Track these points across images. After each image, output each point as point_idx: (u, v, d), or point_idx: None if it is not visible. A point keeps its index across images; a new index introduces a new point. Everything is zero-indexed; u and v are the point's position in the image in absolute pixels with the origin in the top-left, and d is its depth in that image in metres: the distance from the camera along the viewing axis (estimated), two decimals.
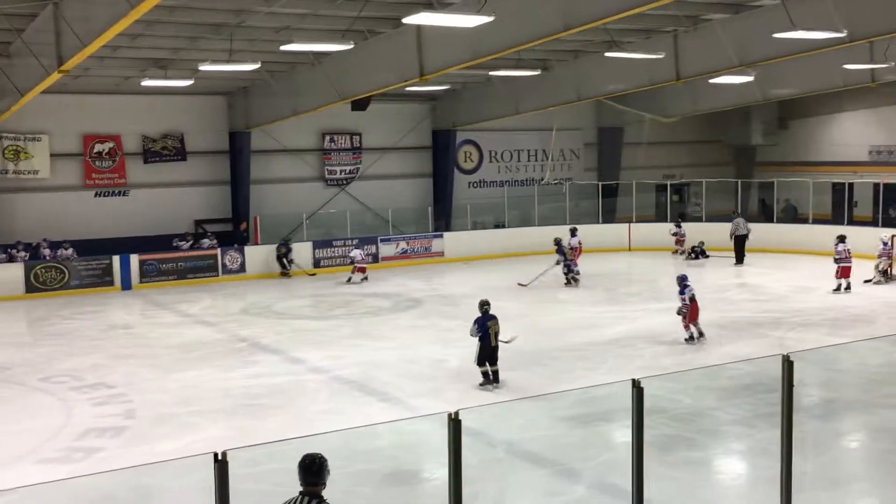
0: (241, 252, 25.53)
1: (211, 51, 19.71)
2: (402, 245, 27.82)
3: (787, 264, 25.37)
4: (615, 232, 30.05)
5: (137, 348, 16.57)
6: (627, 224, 30.36)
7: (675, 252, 27.89)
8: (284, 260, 25.46)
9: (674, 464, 9.67)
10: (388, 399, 12.80)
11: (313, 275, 25.46)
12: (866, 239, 23.09)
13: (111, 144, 26.25)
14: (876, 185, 29.11)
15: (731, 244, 25.99)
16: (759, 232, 27.24)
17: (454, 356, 14.65)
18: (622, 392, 6.25)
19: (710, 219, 29.63)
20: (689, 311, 15.67)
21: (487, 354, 13.05)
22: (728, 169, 35.48)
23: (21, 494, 7.93)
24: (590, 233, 29.51)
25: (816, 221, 28.45)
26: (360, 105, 24.62)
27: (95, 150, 26.05)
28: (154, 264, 24.30)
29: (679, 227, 28.22)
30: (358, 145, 29.96)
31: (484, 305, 13.31)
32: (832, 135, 33.98)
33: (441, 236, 28.59)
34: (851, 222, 27.43)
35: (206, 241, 25.75)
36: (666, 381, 11.85)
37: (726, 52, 20.49)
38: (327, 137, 29.42)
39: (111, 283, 23.69)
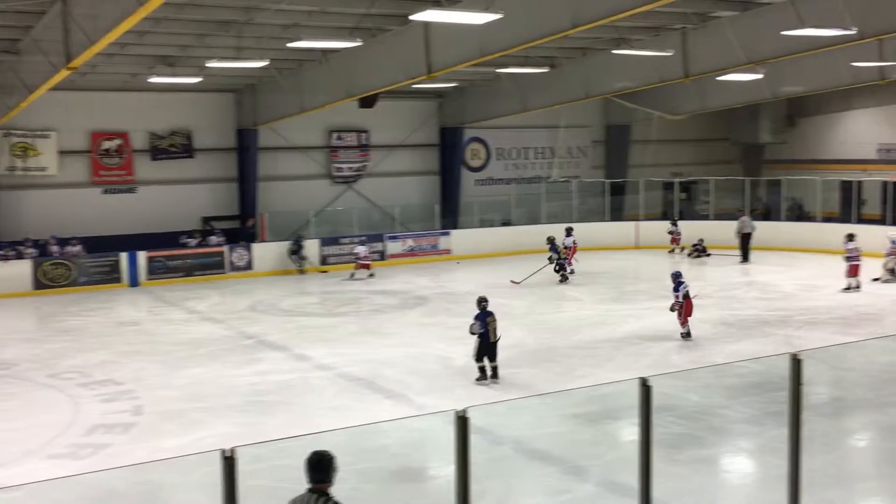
0: (249, 249, 25.55)
1: (219, 48, 19.73)
2: (410, 242, 27.81)
3: (794, 262, 25.30)
4: (622, 230, 30.00)
5: (145, 345, 16.60)
6: (635, 222, 30.31)
7: (672, 251, 27.86)
8: (295, 256, 25.51)
9: (682, 462, 9.65)
10: (394, 396, 12.80)
11: (325, 272, 25.48)
12: (875, 237, 23.00)
13: (119, 141, 26.31)
14: (885, 184, 29.01)
15: (737, 242, 25.94)
16: (767, 230, 27.19)
17: (461, 354, 14.63)
18: (630, 390, 6.22)
19: (718, 217, 29.56)
20: (685, 308, 15.68)
21: (486, 350, 13.09)
22: (736, 167, 35.41)
23: (30, 490, 7.95)
24: (597, 230, 29.55)
25: (825, 220, 28.36)
26: (367, 102, 24.62)
27: (103, 147, 26.10)
28: (161, 261, 24.34)
29: (675, 225, 28.19)
30: (365, 143, 29.96)
31: (482, 302, 13.37)
32: (841, 133, 33.87)
33: (448, 234, 28.57)
34: (860, 220, 27.32)
35: (213, 239, 25.77)
36: (674, 379, 11.83)
37: (735, 49, 20.43)
38: (335, 135, 29.43)
39: (119, 279, 23.74)
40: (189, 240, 25.50)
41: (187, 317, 19.66)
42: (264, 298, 21.63)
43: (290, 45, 18.38)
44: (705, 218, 30.30)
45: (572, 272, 23.21)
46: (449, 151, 31.27)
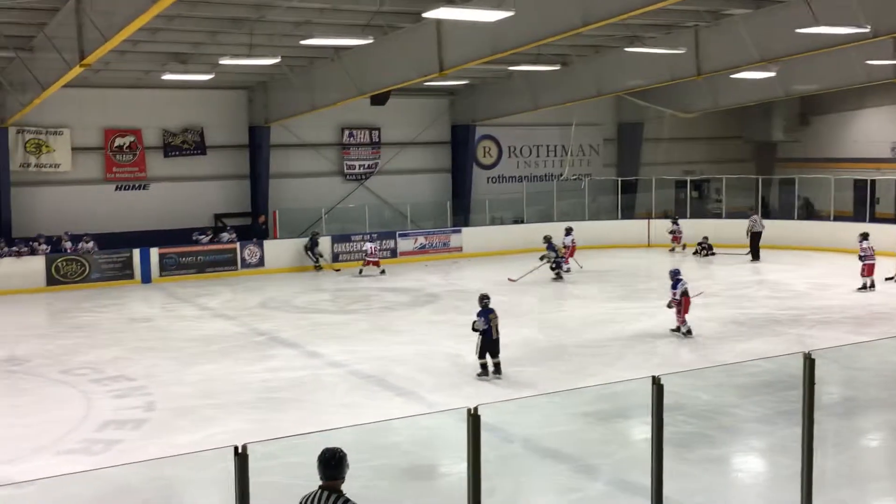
0: (260, 246, 25.62)
1: (231, 45, 19.77)
2: (421, 240, 27.83)
3: (807, 261, 25.20)
4: (634, 228, 29.95)
5: (157, 341, 16.66)
6: (646, 220, 30.25)
7: (672, 249, 27.78)
8: (310, 253, 25.59)
9: (692, 461, 9.63)
10: (405, 394, 12.82)
11: (338, 270, 25.52)
12: (889, 236, 22.91)
13: (132, 138, 26.41)
14: None
15: (748, 241, 25.89)
16: (778, 229, 27.10)
17: (471, 351, 14.57)
18: (640, 388, 6.23)
19: (730, 215, 29.48)
20: (683, 306, 15.75)
21: (489, 347, 13.16)
22: (748, 165, 35.27)
23: (42, 486, 8.00)
24: (608, 228, 29.54)
25: (838, 218, 28.23)
26: (379, 100, 24.62)
27: (116, 144, 26.21)
28: (174, 258, 24.43)
29: (676, 223, 28.13)
30: (377, 140, 29.98)
31: (484, 299, 13.47)
32: (854, 131, 33.70)
33: (459, 231, 28.57)
34: (873, 219, 27.20)
35: (225, 235, 25.85)
36: (685, 378, 11.81)
37: (748, 47, 20.36)
38: (346, 132, 29.46)
39: (131, 276, 23.84)
40: (201, 236, 25.57)
41: (199, 313, 19.73)
42: (276, 295, 21.68)
43: (302, 42, 18.40)
44: (718, 216, 30.21)
45: (567, 270, 23.39)
46: (460, 149, 31.27)
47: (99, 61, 17.19)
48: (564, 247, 23.95)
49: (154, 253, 24.14)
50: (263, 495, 5.25)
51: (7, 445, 10.86)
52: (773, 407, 11.50)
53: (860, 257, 20.31)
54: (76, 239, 24.01)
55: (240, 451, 4.83)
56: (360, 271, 24.67)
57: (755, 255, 25.67)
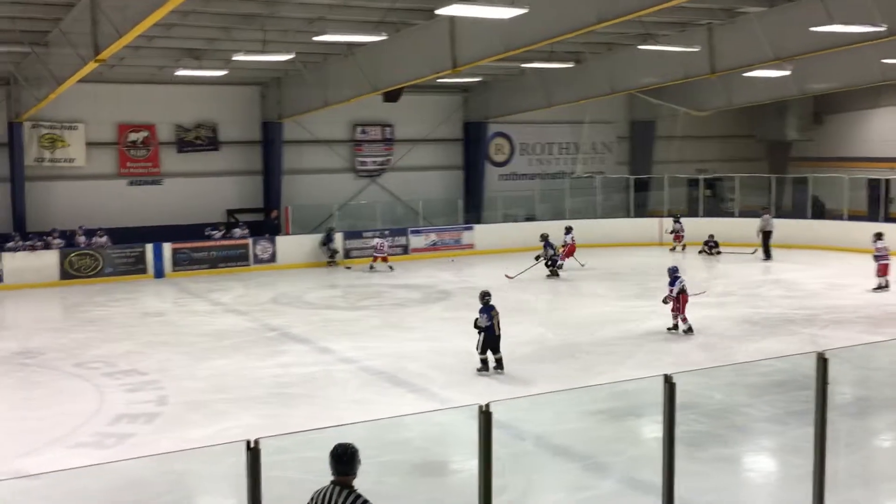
0: (273, 242, 25.68)
1: (244, 41, 19.82)
2: (433, 237, 27.84)
3: (819, 261, 25.09)
4: (646, 226, 29.87)
5: (170, 336, 16.72)
6: (659, 218, 30.17)
7: (673, 248, 27.67)
8: (325, 248, 25.67)
9: (704, 460, 9.60)
10: (416, 390, 12.82)
11: (349, 268, 25.57)
12: None
13: (145, 133, 26.51)
14: None
15: (759, 240, 25.81)
16: (793, 228, 26.99)
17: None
18: (652, 387, 6.21)
19: (742, 214, 29.39)
20: (681, 303, 15.82)
21: (491, 343, 13.24)
22: (761, 164, 35.14)
23: (54, 478, 8.04)
24: (621, 227, 29.48)
25: (852, 218, 28.10)
26: (391, 96, 24.66)
27: (130, 139, 26.32)
28: (186, 253, 24.51)
29: (678, 222, 28.03)
30: (389, 137, 30.01)
31: (485, 296, 13.53)
32: (868, 130, 33.53)
33: (471, 228, 28.58)
34: (888, 219, 27.08)
35: (237, 231, 25.92)
36: (696, 377, 11.77)
37: (762, 45, 20.27)
38: (359, 128, 29.50)
39: (144, 270, 23.94)
40: (214, 232, 25.66)
41: (211, 308, 19.79)
42: (288, 291, 21.73)
43: (315, 38, 18.42)
44: (731, 215, 30.11)
45: (560, 266, 23.43)
46: (473, 146, 31.27)
47: (113, 57, 17.25)
48: (563, 245, 24.12)
49: (167, 248, 24.24)
50: (275, 490, 5.27)
51: (20, 438, 10.92)
52: (785, 407, 11.46)
53: (875, 257, 20.20)
54: (90, 233, 24.13)
55: (252, 445, 4.85)
56: (371, 267, 24.76)
57: (767, 254, 25.57)
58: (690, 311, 16.19)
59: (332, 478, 5.41)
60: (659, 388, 6.09)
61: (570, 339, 15.84)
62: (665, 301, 16.09)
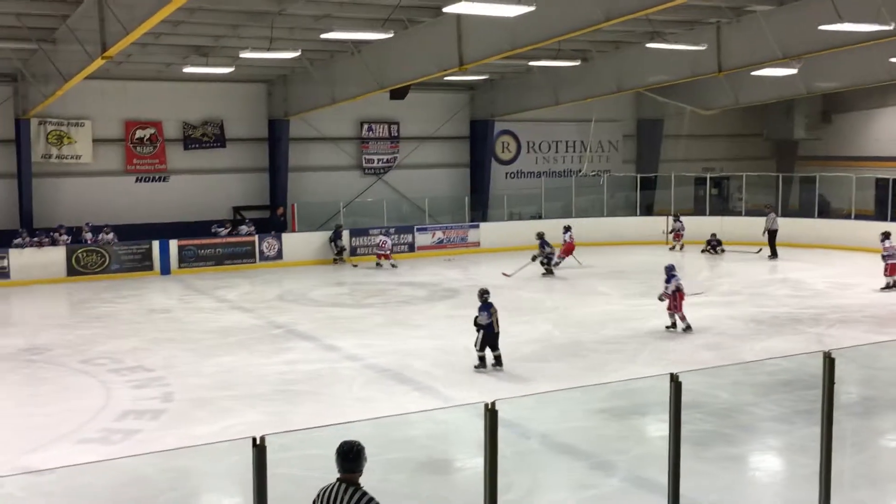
0: (279, 239, 25.71)
1: (251, 38, 19.83)
2: (439, 235, 27.84)
3: (827, 260, 25.04)
4: (653, 225, 29.82)
5: (176, 332, 16.75)
6: (665, 217, 30.12)
7: (672, 247, 27.59)
8: (333, 244, 25.70)
9: (709, 459, 9.59)
10: (422, 388, 12.83)
11: (356, 265, 25.58)
12: None
13: (152, 130, 26.54)
14: None
15: (765, 239, 25.78)
16: (800, 227, 26.91)
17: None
18: (658, 385, 6.21)
19: (748, 213, 29.34)
20: (676, 301, 15.89)
21: (490, 340, 13.31)
22: (768, 163, 35.07)
23: (61, 474, 8.07)
24: (627, 225, 29.45)
25: (859, 217, 28.02)
26: (398, 94, 24.64)
27: (137, 136, 26.35)
28: (193, 250, 24.55)
29: (678, 220, 27.98)
30: (396, 134, 30.00)
31: (484, 294, 13.59)
32: (877, 129, 33.42)
33: (477, 226, 28.58)
34: (895, 219, 26.97)
35: (243, 228, 25.96)
36: (702, 376, 11.75)
37: (770, 44, 20.21)
38: (365, 126, 29.50)
39: (150, 267, 23.98)
40: (220, 229, 25.69)
41: (217, 305, 19.82)
42: (293, 288, 21.76)
43: (322, 36, 18.40)
44: (738, 214, 30.05)
45: (556, 264, 23.58)
46: (479, 144, 31.25)
47: (121, 53, 17.26)
48: (564, 243, 24.31)
49: (173, 245, 24.28)
50: (280, 487, 5.27)
51: (27, 434, 10.95)
52: (791, 406, 11.44)
53: (883, 256, 20.15)
54: (96, 230, 24.18)
55: (258, 442, 4.85)
56: (378, 264, 24.85)
57: (773, 253, 25.55)
58: (696, 310, 16.18)
59: (337, 475, 5.42)
60: (665, 386, 6.08)
61: (576, 337, 15.82)
62: (661, 299, 16.14)
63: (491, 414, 5.30)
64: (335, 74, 23.94)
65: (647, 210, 31.27)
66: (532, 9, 13.48)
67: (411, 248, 27.05)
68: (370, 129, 29.60)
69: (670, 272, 16.22)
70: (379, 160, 29.87)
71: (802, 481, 8.16)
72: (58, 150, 25.25)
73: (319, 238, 26.15)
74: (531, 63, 24.06)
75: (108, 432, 10.95)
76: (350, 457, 5.38)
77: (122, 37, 14.21)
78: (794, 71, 24.43)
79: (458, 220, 28.88)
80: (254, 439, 4.85)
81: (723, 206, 32.23)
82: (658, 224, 29.72)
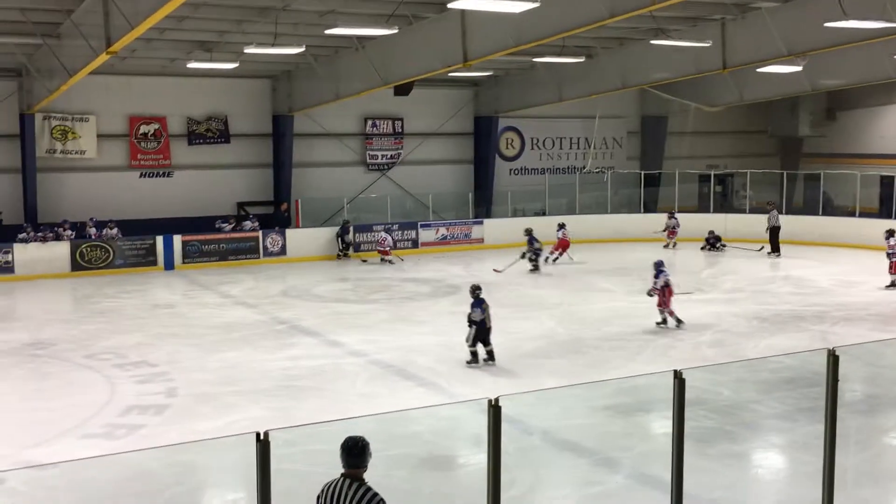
0: (283, 235, 25.72)
1: (256, 34, 19.82)
2: (442, 231, 27.84)
3: (831, 257, 24.99)
4: (657, 222, 29.75)
5: (179, 328, 16.77)
6: (665, 214, 30.05)
7: (667, 245, 27.51)
8: (340, 240, 25.73)
9: (713, 456, 9.59)
10: (425, 384, 12.84)
11: (364, 261, 25.56)
12: None
13: (156, 126, 26.57)
14: None
15: (766, 236, 25.76)
16: (804, 224, 26.88)
17: (491, 343, 14.64)
18: (660, 382, 6.20)
19: (752, 210, 29.30)
20: (665, 297, 15.96)
21: (482, 336, 13.38)
22: (773, 160, 34.99)
23: (65, 469, 8.09)
24: (631, 222, 29.42)
25: (863, 215, 27.97)
26: (402, 90, 24.64)
27: (141, 132, 26.38)
28: (196, 245, 24.57)
29: (673, 217, 27.93)
30: (400, 130, 30.00)
31: (476, 290, 13.68)
32: (882, 127, 33.34)
33: (481, 223, 28.57)
34: None
35: (247, 224, 25.97)
36: (705, 373, 11.76)
37: (775, 40, 20.18)
38: (369, 122, 29.50)
39: (154, 262, 24.01)
40: (224, 224, 25.71)
41: (221, 301, 19.84)
42: (297, 284, 21.77)
43: (326, 31, 18.41)
44: (741, 211, 30.02)
45: (555, 260, 23.96)
46: (483, 140, 31.23)
47: (125, 49, 17.28)
48: (559, 240, 24.51)
49: (177, 240, 24.30)
50: (284, 482, 5.28)
51: (31, 429, 10.98)
52: (794, 403, 11.44)
53: (888, 254, 20.11)
54: (101, 225, 24.20)
55: (262, 437, 4.86)
56: (383, 259, 24.89)
57: (776, 250, 25.52)
58: (699, 307, 16.19)
59: (342, 470, 5.43)
60: (668, 383, 6.08)
61: (578, 334, 15.82)
62: (650, 294, 16.20)
63: (494, 410, 5.30)
64: (339, 70, 23.94)
65: (652, 207, 31.20)
66: (536, 5, 13.46)
67: (415, 244, 27.06)
68: (374, 125, 29.60)
69: (659, 268, 16.31)
70: (383, 156, 29.87)
71: (805, 479, 8.15)
72: (62, 145, 25.29)
73: (323, 234, 26.17)
74: (535, 59, 24.04)
75: (112, 427, 10.98)
76: (355, 452, 5.39)
77: (127, 32, 14.23)
78: (798, 68, 24.40)
79: (461, 217, 28.87)
80: (258, 434, 4.86)
81: (727, 204, 32.18)
82: (662, 221, 29.65)
